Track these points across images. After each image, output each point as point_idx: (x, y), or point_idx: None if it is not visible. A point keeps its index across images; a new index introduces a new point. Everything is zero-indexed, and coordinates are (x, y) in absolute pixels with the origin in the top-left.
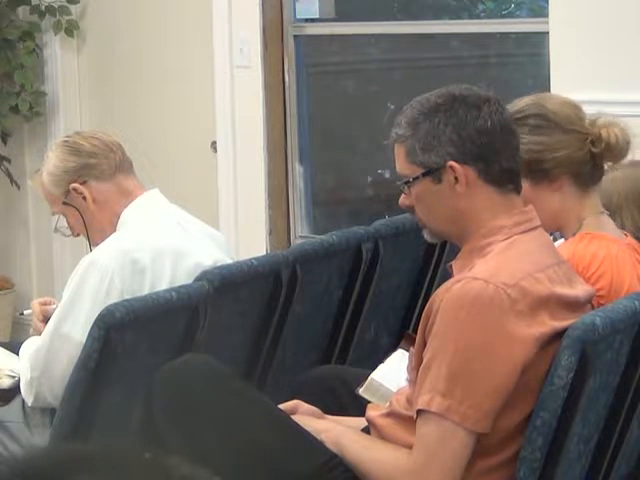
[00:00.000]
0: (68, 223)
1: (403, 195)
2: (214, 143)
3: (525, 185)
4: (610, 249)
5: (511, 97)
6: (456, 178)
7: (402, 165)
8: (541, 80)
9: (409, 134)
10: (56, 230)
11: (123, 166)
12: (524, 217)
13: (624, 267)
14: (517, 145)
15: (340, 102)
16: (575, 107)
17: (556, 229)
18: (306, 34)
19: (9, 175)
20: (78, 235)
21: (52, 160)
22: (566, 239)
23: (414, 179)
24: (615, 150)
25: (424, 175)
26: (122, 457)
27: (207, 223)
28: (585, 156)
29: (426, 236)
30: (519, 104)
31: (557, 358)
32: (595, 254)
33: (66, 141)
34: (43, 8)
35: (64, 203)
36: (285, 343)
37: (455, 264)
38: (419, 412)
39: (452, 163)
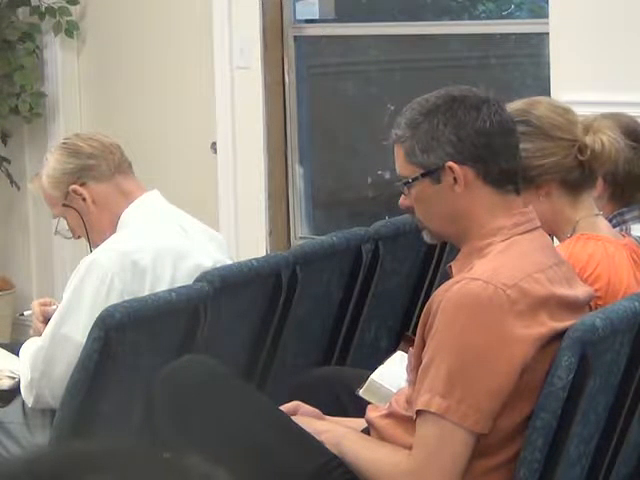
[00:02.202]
0: (68, 225)
1: (402, 196)
2: (214, 144)
3: None
4: (607, 250)
5: (511, 98)
6: (455, 179)
7: (401, 166)
8: (541, 81)
9: (408, 135)
10: (56, 233)
11: (122, 167)
12: (524, 218)
13: (621, 268)
14: (517, 145)
15: (340, 103)
16: (565, 111)
17: (548, 232)
18: (306, 35)
19: (9, 176)
20: (79, 237)
21: (51, 163)
22: (557, 237)
23: (413, 180)
24: (602, 158)
25: (423, 176)
26: (138, 457)
27: (207, 224)
28: (572, 163)
29: (425, 237)
30: (508, 109)
31: (557, 359)
32: (592, 255)
33: (65, 143)
34: (43, 9)
35: (64, 205)
36: (285, 344)
37: (454, 265)
38: (418, 412)
39: (451, 164)
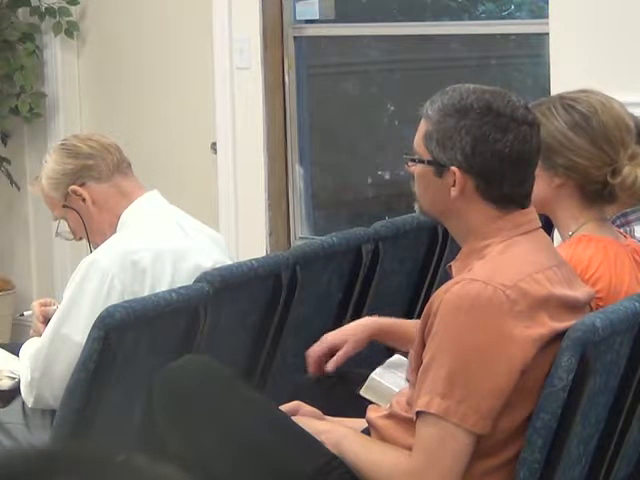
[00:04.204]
0: (69, 227)
1: (410, 163)
2: (214, 144)
3: None
4: (608, 251)
5: None
6: (455, 182)
7: (418, 140)
8: (541, 81)
9: (435, 120)
10: (57, 235)
11: (121, 167)
12: (523, 219)
13: (622, 269)
14: (531, 173)
15: (340, 103)
16: (627, 130)
17: (540, 212)
18: (306, 35)
19: (9, 176)
20: (80, 239)
21: (50, 164)
22: (559, 231)
23: (419, 161)
24: (628, 190)
25: (429, 163)
26: (92, 459)
27: (207, 224)
28: (599, 178)
29: (415, 208)
30: (579, 94)
31: (557, 359)
32: (593, 257)
33: (63, 144)
34: (43, 9)
35: (64, 206)
36: (285, 344)
37: (454, 265)
38: (419, 413)
39: (455, 169)
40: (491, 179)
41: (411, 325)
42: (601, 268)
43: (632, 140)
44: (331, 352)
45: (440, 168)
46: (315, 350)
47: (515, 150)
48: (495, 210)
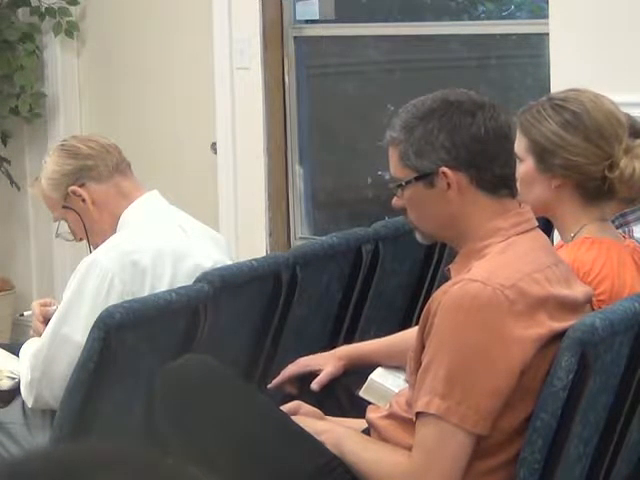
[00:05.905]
0: (70, 228)
1: (396, 197)
2: (214, 144)
3: (529, 163)
4: (611, 253)
5: (511, 98)
6: (448, 184)
7: (395, 168)
8: (541, 81)
9: (403, 138)
10: (58, 236)
11: (121, 167)
12: (521, 218)
13: (625, 270)
14: (511, 150)
15: (340, 103)
16: (619, 124)
17: (541, 215)
18: (306, 35)
19: (9, 176)
20: (81, 240)
21: (50, 165)
22: (560, 234)
23: (407, 183)
24: (628, 183)
25: (416, 179)
26: (145, 458)
27: (207, 224)
28: (597, 174)
29: (418, 237)
30: (569, 93)
31: (557, 359)
32: (596, 259)
33: (63, 145)
34: (43, 10)
35: (64, 207)
36: (285, 344)
37: (453, 267)
38: (418, 414)
39: (444, 169)
40: (480, 164)
41: (385, 343)
42: (604, 270)
43: (625, 133)
44: (307, 374)
45: (429, 177)
46: (291, 369)
47: (489, 127)
48: (491, 199)
